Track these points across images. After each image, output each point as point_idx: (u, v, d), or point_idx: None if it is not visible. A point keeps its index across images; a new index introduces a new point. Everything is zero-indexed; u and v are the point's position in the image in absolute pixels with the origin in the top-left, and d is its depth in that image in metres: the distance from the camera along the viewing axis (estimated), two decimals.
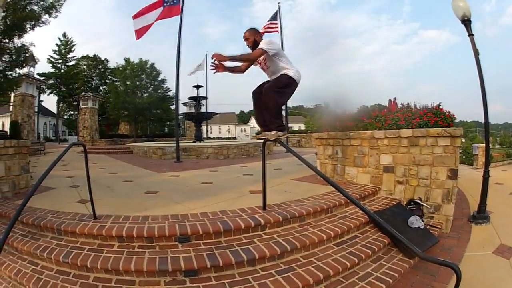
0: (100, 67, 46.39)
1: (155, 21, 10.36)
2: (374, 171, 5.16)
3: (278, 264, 2.91)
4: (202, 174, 7.20)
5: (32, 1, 14.23)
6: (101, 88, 45.43)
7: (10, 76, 15.36)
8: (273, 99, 3.45)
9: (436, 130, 4.48)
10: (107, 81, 44.38)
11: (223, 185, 5.57)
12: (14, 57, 14.74)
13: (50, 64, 40.08)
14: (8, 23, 13.31)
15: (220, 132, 62.15)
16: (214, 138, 38.34)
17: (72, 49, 41.88)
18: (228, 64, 3.56)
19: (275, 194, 4.46)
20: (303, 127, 45.21)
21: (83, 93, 30.62)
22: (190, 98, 18.16)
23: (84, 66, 44.70)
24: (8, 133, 16.28)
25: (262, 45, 3.43)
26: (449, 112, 5.24)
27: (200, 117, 17.53)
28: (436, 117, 5.09)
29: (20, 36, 14.65)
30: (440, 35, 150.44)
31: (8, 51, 14.38)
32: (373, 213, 3.54)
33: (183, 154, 11.26)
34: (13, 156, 5.16)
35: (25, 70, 20.77)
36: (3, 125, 32.38)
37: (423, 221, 4.12)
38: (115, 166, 9.71)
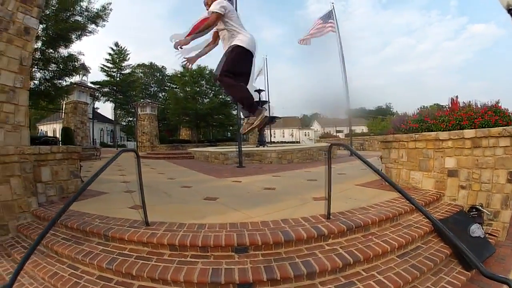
0: (157, 74, 47.96)
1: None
2: (439, 176, 4.81)
3: (338, 278, 2.71)
4: (264, 180, 6.99)
5: (74, 13, 14.78)
6: (160, 94, 46.98)
7: (58, 85, 15.94)
8: (229, 87, 3.07)
9: (497, 130, 4.12)
10: (166, 88, 45.75)
11: (286, 191, 5.35)
12: (61, 66, 15.29)
13: (104, 73, 41.52)
14: (51, 34, 13.86)
15: (283, 136, 61.87)
16: (277, 142, 37.90)
17: (127, 57, 42.77)
18: (196, 51, 3.27)
19: (339, 201, 4.15)
20: (365, 129, 44.14)
21: (141, 100, 31.82)
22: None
23: (141, 74, 46.32)
24: (60, 139, 16.93)
25: (212, 7, 3.04)
26: (507, 109, 4.97)
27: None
28: (496, 116, 4.82)
29: (66, 46, 15.22)
30: (487, 29, 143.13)
31: (54, 61, 14.97)
32: (439, 222, 3.12)
33: (245, 159, 11.12)
34: (61, 162, 5.24)
35: (77, 78, 21.82)
36: (54, 131, 33.50)
37: (483, 229, 3.77)
38: (175, 172, 9.63)
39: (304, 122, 76.75)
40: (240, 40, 3.00)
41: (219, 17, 3.02)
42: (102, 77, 40.80)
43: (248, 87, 3.14)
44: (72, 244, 3.28)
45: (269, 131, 32.27)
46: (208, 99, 35.51)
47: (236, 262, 2.72)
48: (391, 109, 69.35)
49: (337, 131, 44.62)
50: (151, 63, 48.21)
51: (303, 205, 4.24)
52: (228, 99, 33.18)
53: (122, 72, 42.10)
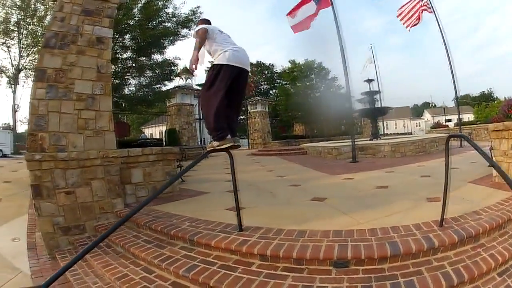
0: (266, 72, 48.80)
1: (314, 15, 10.85)
2: None
3: None
4: (377, 176, 6.61)
5: (161, 19, 15.16)
6: (270, 92, 47.54)
7: (157, 90, 16.66)
8: (203, 105, 3.34)
9: None
10: (276, 84, 46.14)
11: (398, 190, 4.95)
12: (158, 72, 15.83)
13: None
14: (141, 42, 14.41)
15: (396, 128, 59.98)
16: (390, 134, 36.98)
17: None
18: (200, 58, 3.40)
19: (453, 203, 3.63)
20: (471, 117, 40.05)
21: (252, 98, 32.15)
22: (363, 93, 17.54)
23: (250, 73, 46.43)
24: (164, 140, 18.10)
25: (194, 31, 3.49)
26: None
27: (375, 113, 16.72)
28: None
29: (161, 53, 15.79)
30: None
31: (148, 67, 15.62)
32: None
33: (359, 153, 10.77)
34: (155, 163, 5.41)
35: (181, 82, 22.97)
36: (160, 133, 35.67)
37: None
38: (285, 169, 9.43)
39: (414, 112, 74.14)
40: (219, 59, 3.21)
41: (203, 32, 3.31)
42: None
43: (238, 98, 3.46)
44: (152, 247, 3.23)
45: (382, 122, 31.05)
46: (319, 93, 34.39)
47: (332, 279, 2.36)
48: (492, 95, 63.98)
49: (446, 121, 42.22)
50: (257, 61, 48.90)
51: (416, 207, 3.83)
52: (340, 92, 32.27)
53: None
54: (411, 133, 45.24)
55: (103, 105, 4.64)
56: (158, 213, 4.20)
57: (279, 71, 44.88)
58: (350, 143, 10.38)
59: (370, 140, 14.60)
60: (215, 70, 3.17)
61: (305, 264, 2.55)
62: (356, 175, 6.94)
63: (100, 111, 4.60)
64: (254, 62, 48.13)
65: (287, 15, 11.14)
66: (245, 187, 5.72)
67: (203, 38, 3.32)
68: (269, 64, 49.02)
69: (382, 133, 26.76)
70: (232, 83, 3.19)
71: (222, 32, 3.52)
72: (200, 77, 47.13)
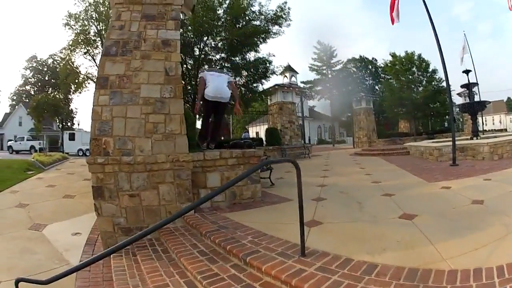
0: (370, 66, 47.23)
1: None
2: None
3: None
4: (474, 186, 5.83)
5: (249, 18, 15.30)
6: (376, 87, 45.74)
7: (254, 89, 16.88)
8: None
9: None
10: (381, 79, 44.13)
11: (494, 208, 4.14)
12: (252, 70, 16.07)
13: (314, 72, 43.66)
14: (234, 42, 14.64)
15: (493, 123, 53.05)
16: (488, 130, 33.56)
17: (334, 54, 43.62)
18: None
19: None
20: None
21: (355, 94, 31.22)
22: (462, 86, 16.01)
23: (354, 69, 46.49)
24: (265, 139, 18.03)
25: None
26: None
27: (475, 108, 14.93)
28: None
29: (256, 51, 15.99)
30: None
31: (243, 66, 15.87)
32: None
33: (459, 154, 9.95)
34: (234, 167, 5.14)
35: (285, 80, 23.00)
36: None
37: None
38: (383, 172, 8.89)
39: (509, 106, 65.43)
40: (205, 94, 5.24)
41: (201, 80, 5.37)
42: (314, 76, 43.42)
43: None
44: (203, 261, 3.01)
45: (481, 118, 27.70)
46: (422, 87, 32.41)
47: None
48: None
49: None
50: (360, 56, 47.56)
51: (508, 236, 2.99)
52: (442, 85, 29.75)
53: (333, 69, 43.14)
54: (506, 130, 38.73)
55: (173, 108, 4.53)
56: (226, 222, 3.96)
57: (382, 65, 42.20)
58: (451, 143, 9.48)
59: (470, 138, 13.19)
60: (203, 103, 5.38)
61: None
62: (453, 183, 6.18)
63: (170, 114, 4.50)
64: (357, 57, 46.83)
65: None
66: (334, 195, 5.47)
67: (201, 84, 5.30)
68: (372, 59, 46.95)
69: (482, 130, 22.82)
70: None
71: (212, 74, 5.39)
72: (304, 75, 47.16)
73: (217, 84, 5.21)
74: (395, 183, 6.56)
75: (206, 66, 15.12)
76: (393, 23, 10.87)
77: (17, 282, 2.76)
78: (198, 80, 4.86)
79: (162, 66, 4.60)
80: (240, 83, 16.37)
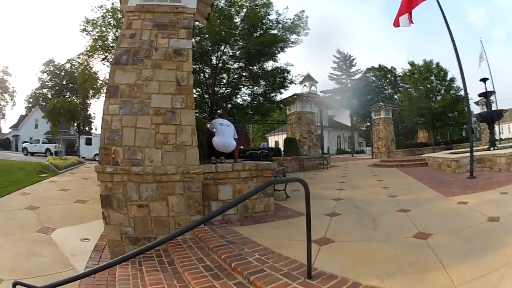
0: (389, 75, 46.69)
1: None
2: None
3: None
4: (491, 200, 5.60)
5: (266, 27, 15.31)
6: (395, 96, 45.34)
7: (272, 98, 16.86)
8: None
9: None
10: (400, 88, 43.77)
11: (509, 226, 3.98)
12: (270, 80, 16.06)
13: (334, 81, 43.56)
14: (250, 51, 14.67)
15: (509, 132, 51.41)
16: (505, 139, 32.95)
17: (353, 63, 43.71)
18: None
19: None
20: None
21: (374, 104, 30.91)
22: (479, 95, 15.79)
23: (373, 78, 46.42)
24: (283, 149, 17.80)
25: None
26: None
27: (492, 117, 14.52)
28: None
29: (275, 60, 16.02)
30: None
31: (261, 76, 15.86)
32: None
33: (476, 165, 9.68)
34: (247, 180, 5.06)
35: (304, 89, 22.99)
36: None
37: None
38: (401, 185, 8.63)
39: None
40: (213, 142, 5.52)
41: (208, 131, 5.80)
42: (333, 85, 43.20)
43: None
44: (207, 276, 2.94)
45: (498, 127, 27.04)
46: (440, 96, 32.06)
47: None
48: None
49: None
50: (379, 65, 47.07)
51: None
52: (460, 94, 29.65)
53: (352, 78, 43.06)
54: None
55: (184, 119, 4.49)
56: (235, 236, 3.88)
57: (401, 74, 41.99)
58: (469, 155, 9.17)
59: (488, 148, 12.89)
60: (210, 145, 5.52)
61: None
62: (470, 197, 5.97)
63: (182, 125, 4.46)
64: (376, 66, 46.59)
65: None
66: (349, 210, 5.32)
67: (209, 133, 5.67)
68: (391, 67, 46.44)
69: (498, 138, 22.23)
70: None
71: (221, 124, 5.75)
72: (323, 84, 46.69)
73: (223, 140, 5.51)
74: (411, 198, 6.40)
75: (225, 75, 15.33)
76: (395, 26, 10.25)
77: (14, 284, 2.77)
78: (208, 127, 5.59)
79: (174, 76, 4.57)
80: (258, 92, 16.39)
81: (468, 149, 9.85)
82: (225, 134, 5.60)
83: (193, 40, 15.17)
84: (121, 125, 4.26)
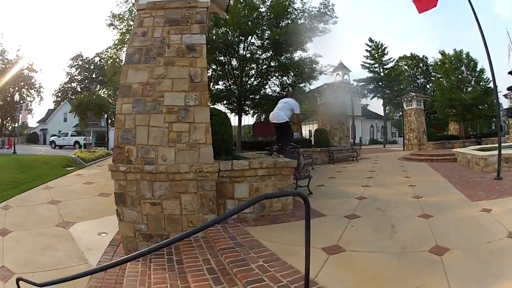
0: (421, 65, 45.43)
1: None
2: None
3: None
4: None
5: (292, 17, 15.10)
6: (427, 86, 43.93)
7: (303, 88, 16.94)
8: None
9: None
10: (432, 78, 41.77)
11: None
12: (298, 70, 15.96)
13: (366, 70, 43.06)
14: (277, 41, 14.52)
15: None
16: None
17: (385, 51, 42.80)
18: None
19: None
20: None
21: (406, 94, 29.80)
22: (508, 88, 15.12)
23: (406, 67, 45.46)
24: (313, 141, 17.46)
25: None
26: None
27: None
28: None
29: (303, 50, 15.93)
30: None
31: (289, 66, 15.77)
32: None
33: (504, 165, 9.03)
34: (264, 178, 4.92)
35: (337, 78, 22.79)
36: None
37: None
38: (428, 184, 8.10)
39: None
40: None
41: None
42: (366, 74, 42.79)
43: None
44: (208, 280, 2.92)
45: None
46: (470, 87, 30.93)
47: None
48: None
49: None
50: (411, 54, 45.84)
51: None
52: (489, 86, 28.26)
53: (385, 67, 42.28)
54: None
55: (198, 116, 4.44)
56: (245, 238, 3.80)
57: (432, 64, 40.63)
58: (497, 153, 8.66)
59: None
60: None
61: None
62: (494, 204, 5.40)
63: (195, 123, 4.42)
64: (408, 55, 45.54)
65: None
66: (370, 213, 5.04)
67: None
68: (423, 56, 45.00)
69: None
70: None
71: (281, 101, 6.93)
72: (356, 73, 45.90)
73: (274, 112, 6.85)
74: (436, 200, 5.98)
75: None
76: (420, 12, 9.78)
77: (17, 280, 2.89)
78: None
79: (187, 72, 4.52)
80: (287, 82, 16.31)
81: (497, 145, 9.31)
82: (278, 107, 6.87)
83: (219, 30, 15.17)
84: (134, 124, 4.29)
